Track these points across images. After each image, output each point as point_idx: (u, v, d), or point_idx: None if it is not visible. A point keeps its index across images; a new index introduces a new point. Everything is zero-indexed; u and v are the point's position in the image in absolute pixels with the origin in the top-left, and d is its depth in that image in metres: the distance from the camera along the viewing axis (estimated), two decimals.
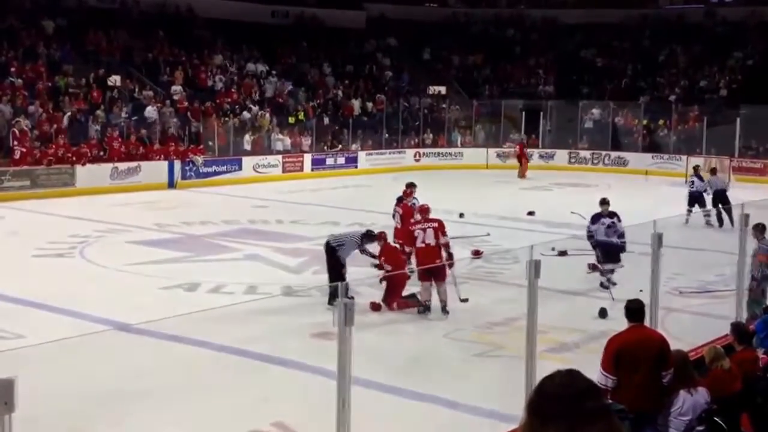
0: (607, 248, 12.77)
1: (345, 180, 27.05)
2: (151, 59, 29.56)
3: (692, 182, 19.84)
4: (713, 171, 21.05)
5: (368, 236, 11.89)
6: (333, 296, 10.15)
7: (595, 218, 13.12)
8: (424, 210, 11.90)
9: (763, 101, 29.00)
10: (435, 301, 11.19)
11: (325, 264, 11.88)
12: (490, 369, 9.31)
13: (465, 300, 11.31)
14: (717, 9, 38.72)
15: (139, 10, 31.48)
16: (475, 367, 9.38)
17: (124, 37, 29.71)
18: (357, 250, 11.81)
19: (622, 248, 12.79)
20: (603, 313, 10.78)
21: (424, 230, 11.34)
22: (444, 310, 11.07)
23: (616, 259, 12.72)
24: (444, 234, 11.46)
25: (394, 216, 13.92)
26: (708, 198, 19.44)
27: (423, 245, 11.33)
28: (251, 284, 12.61)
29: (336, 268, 11.44)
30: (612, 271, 12.52)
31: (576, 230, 17.05)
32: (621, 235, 12.88)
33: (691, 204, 19.32)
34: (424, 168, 30.23)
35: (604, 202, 13.40)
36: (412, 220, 12.00)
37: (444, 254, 11.34)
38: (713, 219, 18.48)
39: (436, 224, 11.46)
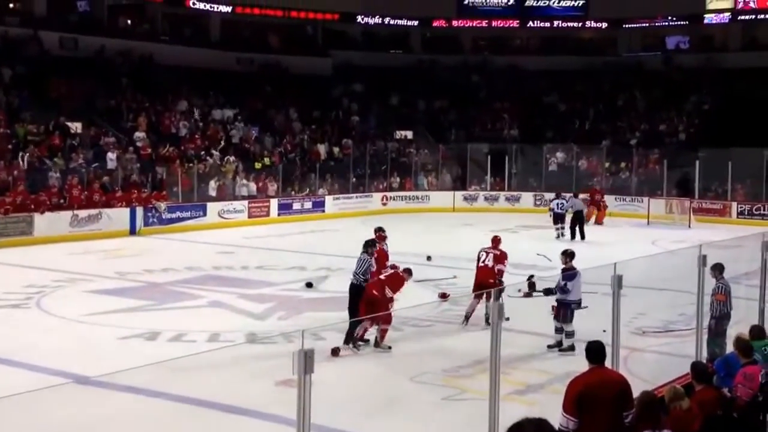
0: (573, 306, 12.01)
1: (312, 224, 26.98)
2: (114, 106, 29.46)
3: (557, 204, 24.64)
4: (575, 194, 25.81)
5: (370, 245, 12.46)
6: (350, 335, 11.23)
7: (571, 275, 11.98)
8: (497, 240, 13.74)
9: (721, 144, 29.67)
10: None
11: (291, 310, 11.76)
12: (456, 413, 9.22)
13: (507, 318, 11.02)
14: (674, 56, 39.74)
15: (102, 57, 31.43)
16: (441, 410, 9.28)
17: (87, 84, 29.61)
18: (372, 262, 12.19)
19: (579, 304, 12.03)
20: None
21: (488, 254, 13.33)
22: (487, 321, 11.90)
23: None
24: (502, 263, 13.27)
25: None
26: (568, 216, 24.26)
27: (482, 265, 13.20)
28: (214, 332, 12.41)
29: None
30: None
31: (542, 272, 17.16)
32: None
33: (555, 222, 24.37)
34: (391, 211, 30.30)
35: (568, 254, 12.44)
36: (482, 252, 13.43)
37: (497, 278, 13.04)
38: (567, 232, 24.02)
39: (498, 252, 13.38)
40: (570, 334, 11.63)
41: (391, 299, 11.72)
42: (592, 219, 27.41)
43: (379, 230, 14.15)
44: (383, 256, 13.18)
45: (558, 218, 24.44)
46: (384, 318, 11.42)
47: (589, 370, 6.23)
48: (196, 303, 14.80)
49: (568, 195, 25.80)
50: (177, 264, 18.63)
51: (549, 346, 11.64)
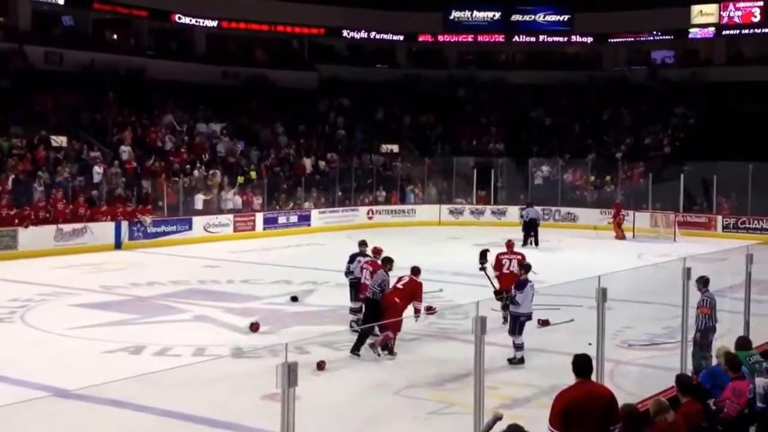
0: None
1: (297, 238, 26.91)
2: (100, 120, 29.37)
3: (526, 213, 26.60)
4: (530, 204, 27.53)
5: (388, 261, 12.70)
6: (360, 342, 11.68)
7: (521, 285, 12.04)
8: (511, 245, 15.03)
9: (706, 158, 29.84)
10: None
11: (276, 323, 11.71)
12: (442, 427, 9.18)
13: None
14: (659, 70, 40.04)
15: (88, 71, 31.34)
16: (427, 425, 9.24)
17: (72, 98, 29.52)
18: (387, 278, 12.40)
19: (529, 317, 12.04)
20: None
21: (510, 260, 14.23)
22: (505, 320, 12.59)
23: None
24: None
25: (362, 271, 13.60)
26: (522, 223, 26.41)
27: (508, 272, 13.97)
28: (199, 346, 12.34)
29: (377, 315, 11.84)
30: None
31: None
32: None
33: (524, 229, 26.18)
34: (377, 225, 30.27)
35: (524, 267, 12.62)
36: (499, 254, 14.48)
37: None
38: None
39: (519, 257, 14.24)
40: (519, 347, 11.68)
41: (417, 310, 12.12)
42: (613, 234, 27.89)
43: (363, 243, 14.14)
44: (378, 268, 13.06)
45: (533, 226, 26.39)
46: (393, 325, 11.67)
47: (575, 384, 6.22)
48: (181, 317, 14.72)
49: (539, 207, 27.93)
50: (162, 278, 18.54)
51: (509, 360, 11.59)
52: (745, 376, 7.59)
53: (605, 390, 6.46)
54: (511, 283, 12.95)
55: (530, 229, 26.19)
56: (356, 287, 13.42)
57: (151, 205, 25.66)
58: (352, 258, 13.82)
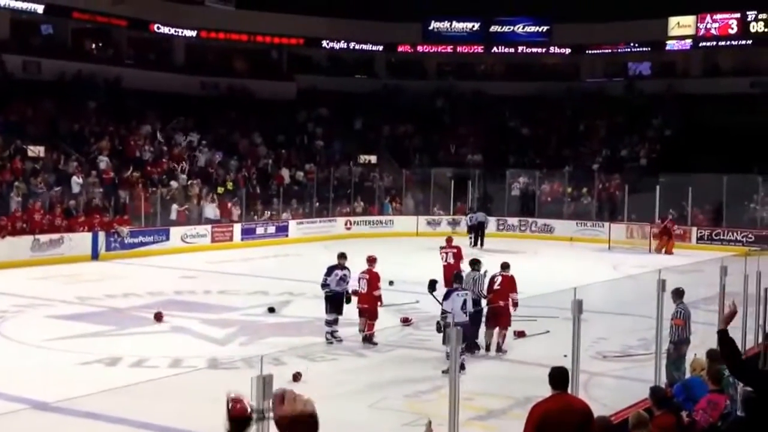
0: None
1: (275, 249, 26.86)
2: (78, 130, 29.21)
3: (470, 218, 29.91)
4: (471, 209, 31.21)
5: (474, 263, 14.13)
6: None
7: (447, 294, 12.39)
8: (450, 240, 18.55)
9: (681, 169, 30.12)
10: None
11: (253, 335, 11.70)
12: None
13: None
14: (635, 82, 40.41)
15: (66, 81, 31.18)
16: None
17: (50, 107, 29.34)
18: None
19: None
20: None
21: (447, 253, 17.28)
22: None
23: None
24: (460, 258, 17.09)
25: (359, 282, 13.71)
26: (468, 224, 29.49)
27: (445, 263, 17.02)
28: (176, 357, 12.32)
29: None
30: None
31: None
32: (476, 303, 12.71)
33: (468, 232, 29.17)
34: (355, 236, 30.27)
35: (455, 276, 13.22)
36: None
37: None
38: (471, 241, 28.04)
39: (455, 250, 17.44)
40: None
41: (515, 303, 13.13)
42: (663, 248, 27.55)
43: (343, 256, 14.20)
44: (375, 278, 13.67)
45: (471, 229, 29.32)
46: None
47: (551, 396, 6.27)
48: (158, 328, 14.65)
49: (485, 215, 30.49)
50: (139, 289, 18.46)
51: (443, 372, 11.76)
52: (724, 391, 7.60)
53: (581, 402, 6.50)
54: (449, 273, 15.69)
55: (477, 231, 28.79)
56: (333, 300, 13.48)
57: (128, 215, 25.53)
58: (330, 270, 13.85)
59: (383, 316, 14.18)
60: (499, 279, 13.40)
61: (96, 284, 19.17)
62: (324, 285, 13.76)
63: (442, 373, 11.42)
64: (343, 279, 13.56)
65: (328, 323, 13.56)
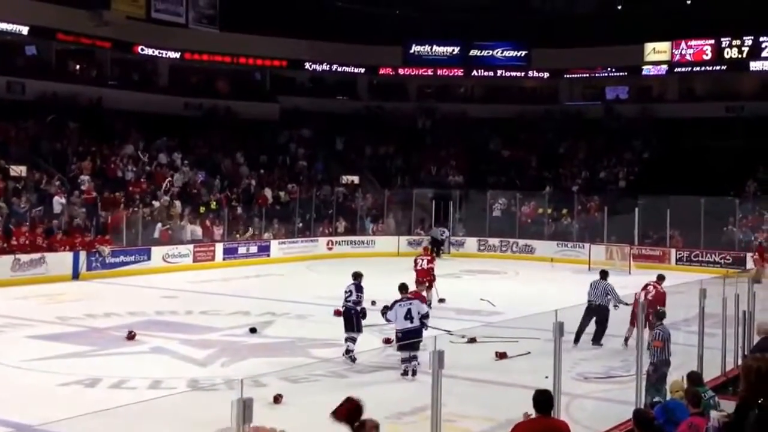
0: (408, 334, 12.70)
1: (257, 269, 26.81)
2: (60, 149, 29.11)
3: (439, 232, 32.45)
4: (429, 227, 33.35)
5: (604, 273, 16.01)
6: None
7: (392, 305, 13.21)
8: (426, 249, 22.67)
9: (659, 192, 30.44)
10: None
11: (234, 356, 11.70)
12: None
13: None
14: (613, 106, 40.88)
15: (49, 101, 31.07)
16: None
17: (33, 127, 29.24)
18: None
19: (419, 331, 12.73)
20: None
21: (423, 260, 19.97)
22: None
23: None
24: (432, 263, 20.19)
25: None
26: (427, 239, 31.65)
27: (420, 268, 19.45)
28: (156, 379, 12.26)
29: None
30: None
31: (486, 317, 17.34)
32: (424, 316, 12.99)
33: (433, 245, 30.23)
34: (336, 256, 30.28)
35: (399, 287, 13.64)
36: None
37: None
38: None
39: (429, 257, 20.55)
40: (405, 360, 12.44)
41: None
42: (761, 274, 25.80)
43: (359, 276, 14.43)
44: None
45: (436, 243, 31.15)
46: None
47: (534, 419, 6.33)
48: (138, 349, 14.58)
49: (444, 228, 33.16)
50: (119, 309, 18.36)
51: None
52: (705, 414, 7.59)
53: (563, 425, 6.56)
54: (424, 276, 18.95)
55: (436, 245, 30.70)
56: (350, 317, 13.73)
57: (109, 235, 25.41)
58: (359, 287, 14.00)
59: (364, 337, 14.21)
60: (652, 291, 14.38)
61: (76, 304, 19.06)
62: (357, 302, 13.93)
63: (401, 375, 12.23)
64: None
65: (353, 340, 13.78)
